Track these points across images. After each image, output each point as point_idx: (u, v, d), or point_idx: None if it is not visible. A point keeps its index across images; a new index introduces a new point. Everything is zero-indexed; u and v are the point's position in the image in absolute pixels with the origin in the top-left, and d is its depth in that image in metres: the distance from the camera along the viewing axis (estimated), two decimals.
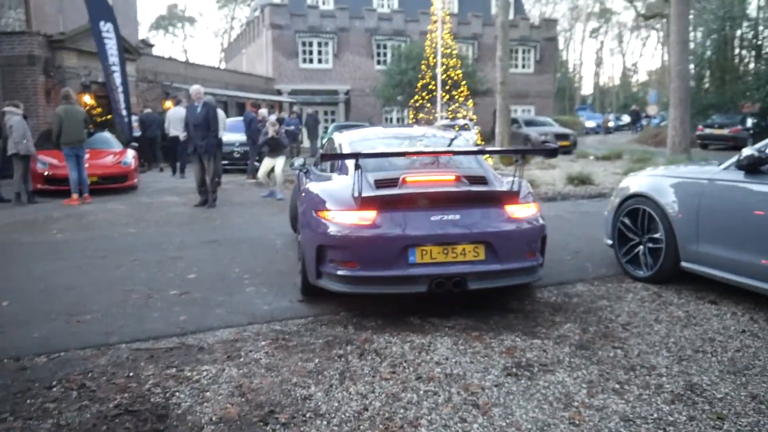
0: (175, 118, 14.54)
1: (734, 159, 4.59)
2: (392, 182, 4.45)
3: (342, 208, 4.31)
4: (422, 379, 3.43)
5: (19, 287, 5.44)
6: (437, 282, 4.14)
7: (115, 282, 5.59)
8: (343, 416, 3.03)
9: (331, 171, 5.32)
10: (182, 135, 11.80)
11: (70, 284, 5.52)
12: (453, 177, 4.56)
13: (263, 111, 15.20)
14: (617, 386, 3.32)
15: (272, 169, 11.61)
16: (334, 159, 5.14)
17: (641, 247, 5.34)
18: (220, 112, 14.67)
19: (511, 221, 4.39)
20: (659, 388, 3.30)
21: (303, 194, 5.05)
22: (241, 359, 3.78)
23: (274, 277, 5.68)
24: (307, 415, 3.05)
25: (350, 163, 4.70)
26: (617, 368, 3.57)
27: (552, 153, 4.49)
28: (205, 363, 3.73)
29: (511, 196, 4.42)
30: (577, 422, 2.94)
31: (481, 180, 4.65)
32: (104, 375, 3.57)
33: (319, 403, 3.18)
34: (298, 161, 6.65)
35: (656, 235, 5.12)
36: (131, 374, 3.57)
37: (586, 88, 75.53)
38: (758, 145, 4.51)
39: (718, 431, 2.86)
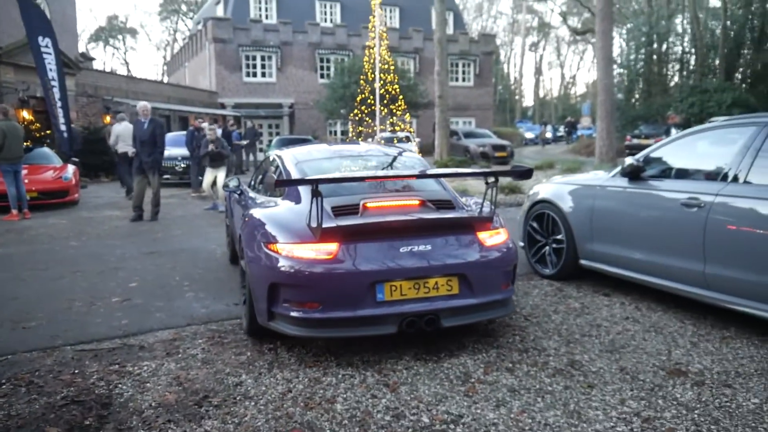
0: (125, 134, 13.97)
1: (620, 168, 5.23)
2: (351, 209, 4.04)
3: (298, 241, 3.81)
4: (342, 365, 3.89)
5: None
6: (408, 321, 3.74)
7: (58, 291, 5.85)
8: (269, 397, 3.45)
9: (271, 195, 4.90)
10: (131, 151, 11.71)
11: (14, 294, 5.75)
12: (417, 201, 4.21)
13: (206, 125, 15.42)
14: (510, 365, 3.85)
15: (215, 182, 11.89)
16: (291, 185, 4.37)
17: (547, 247, 5.94)
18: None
19: (486, 250, 4.03)
20: (545, 365, 3.85)
21: (246, 223, 4.51)
22: (179, 355, 4.15)
23: (213, 283, 6.04)
24: (238, 398, 3.46)
25: (303, 189, 4.29)
26: (513, 351, 4.10)
27: (526, 174, 4.08)
28: (145, 359, 4.09)
29: (484, 222, 4.11)
30: (470, 394, 3.43)
31: (448, 204, 4.30)
32: (51, 373, 3.88)
33: (249, 388, 3.59)
34: (232, 182, 6.10)
35: (558, 237, 5.73)
36: (76, 371, 3.90)
37: (528, 100, 77.89)
38: (638, 156, 5.18)
39: (586, 396, 3.40)
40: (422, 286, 3.83)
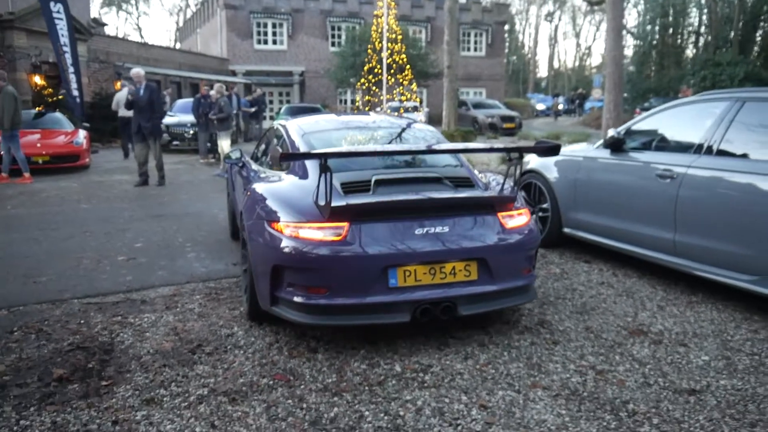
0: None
1: (603, 140, 5.43)
2: (362, 186, 3.76)
3: (304, 220, 3.53)
4: None
5: None
6: (423, 309, 3.49)
7: (67, 250, 6.17)
8: (257, 347, 3.75)
9: (276, 168, 4.61)
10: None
11: (26, 253, 6.08)
12: (433, 178, 3.95)
13: (217, 87, 15.57)
14: (484, 324, 4.12)
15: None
16: (297, 159, 4.07)
17: (533, 215, 6.16)
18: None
19: (507, 232, 3.75)
20: (516, 323, 4.12)
21: (248, 198, 4.23)
22: (178, 309, 4.46)
23: (214, 245, 6.35)
24: (228, 347, 3.77)
25: (310, 162, 4.01)
26: (489, 312, 4.36)
27: (552, 150, 3.76)
28: (146, 312, 4.40)
29: (507, 201, 3.83)
30: (442, 348, 3.72)
31: (466, 181, 4.01)
32: (58, 322, 4.21)
33: (239, 339, 3.89)
34: (234, 153, 5.73)
35: (544, 206, 5.96)
36: (82, 321, 4.22)
37: (542, 71, 77.14)
38: (620, 128, 5.37)
39: (549, 351, 3.68)
40: (438, 272, 3.55)
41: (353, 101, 33.31)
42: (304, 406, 3.03)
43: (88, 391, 3.19)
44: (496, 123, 24.78)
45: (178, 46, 46.82)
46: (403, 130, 4.94)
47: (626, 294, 4.73)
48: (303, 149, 4.30)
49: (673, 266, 4.70)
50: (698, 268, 4.48)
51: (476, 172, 4.28)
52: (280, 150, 4.14)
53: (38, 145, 12.48)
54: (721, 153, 4.41)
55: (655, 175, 4.74)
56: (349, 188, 3.73)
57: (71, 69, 15.18)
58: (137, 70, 10.97)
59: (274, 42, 34.03)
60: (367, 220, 3.51)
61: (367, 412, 2.96)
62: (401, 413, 2.96)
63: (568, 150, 5.98)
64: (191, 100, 18.52)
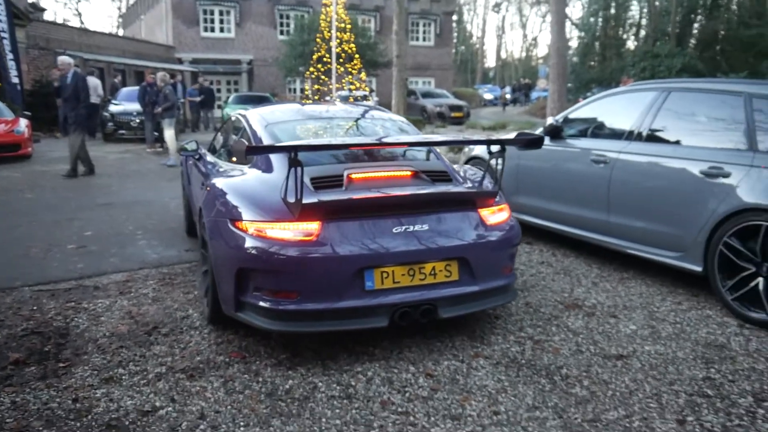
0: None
1: (542, 127, 5.71)
2: (334, 181, 3.50)
3: (271, 219, 3.28)
4: None
5: None
6: (402, 312, 3.28)
7: (15, 239, 6.12)
8: (212, 327, 3.87)
9: (237, 161, 4.33)
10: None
11: None
12: (409, 172, 3.71)
13: (160, 75, 15.37)
14: None
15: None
16: (266, 152, 3.75)
17: None
18: (93, 80, 15.25)
19: (489, 229, 3.57)
20: None
21: (207, 194, 3.95)
22: (132, 294, 4.53)
23: (165, 232, 6.38)
24: (184, 329, 3.87)
25: (276, 156, 3.75)
26: None
27: (534, 142, 3.69)
28: (100, 298, 4.45)
29: (488, 197, 3.65)
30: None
31: (444, 176, 3.78)
32: (11, 309, 4.22)
33: (195, 321, 4.01)
34: (190, 145, 5.37)
35: None
36: (35, 308, 4.25)
37: (490, 61, 78.20)
38: (558, 116, 5.66)
39: (491, 325, 3.92)
40: (417, 272, 3.34)
41: (302, 90, 33.18)
42: (260, 379, 3.19)
43: (46, 373, 3.26)
44: (445, 112, 25.15)
45: (121, 32, 45.58)
46: (373, 120, 4.70)
47: (564, 272, 5.02)
48: (267, 142, 4.02)
49: (607, 245, 5.02)
50: (629, 246, 4.80)
51: (453, 166, 4.09)
52: (246, 143, 3.66)
53: None
54: (649, 139, 4.73)
55: (590, 160, 5.04)
56: (320, 184, 3.46)
57: (10, 56, 14.74)
58: (63, 58, 10.77)
59: (222, 30, 33.53)
60: (341, 219, 3.28)
61: (320, 383, 3.13)
62: (353, 383, 3.14)
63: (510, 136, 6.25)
64: (137, 88, 18.22)
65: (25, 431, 2.70)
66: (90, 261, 5.38)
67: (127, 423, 2.77)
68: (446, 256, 3.41)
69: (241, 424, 2.77)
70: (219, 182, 3.88)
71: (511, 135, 4.47)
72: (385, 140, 3.97)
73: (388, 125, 4.57)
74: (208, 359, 3.42)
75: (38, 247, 5.83)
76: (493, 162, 3.67)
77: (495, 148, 3.61)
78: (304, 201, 3.17)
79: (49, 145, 15.86)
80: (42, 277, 4.91)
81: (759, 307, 3.89)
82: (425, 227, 3.39)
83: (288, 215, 3.26)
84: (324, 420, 2.80)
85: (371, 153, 3.98)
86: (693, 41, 34.15)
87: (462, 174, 3.97)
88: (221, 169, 4.32)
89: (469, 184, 3.82)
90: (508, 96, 41.72)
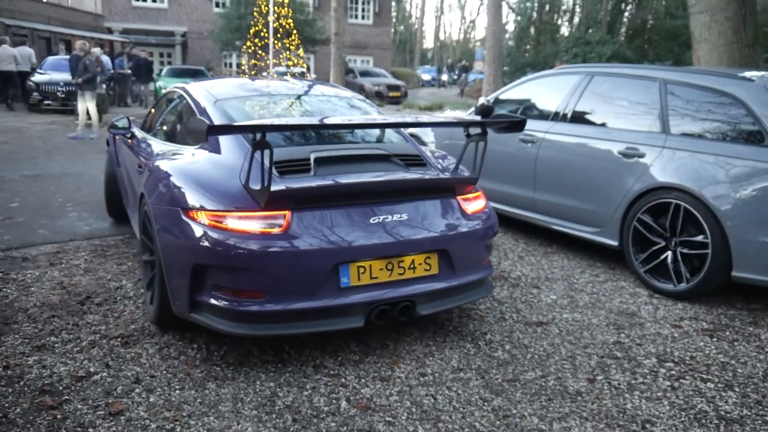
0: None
1: (473, 108, 5.91)
2: (300, 165, 3.16)
3: (233, 208, 2.93)
4: None
5: None
6: (379, 311, 3.03)
7: None
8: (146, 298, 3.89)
9: (177, 141, 4.00)
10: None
11: None
12: (380, 155, 3.45)
13: (96, 50, 14.87)
14: None
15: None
16: (231, 132, 3.27)
17: None
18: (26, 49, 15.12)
19: (468, 218, 3.36)
20: None
21: (150, 178, 3.51)
22: (63, 265, 4.47)
23: (96, 204, 6.26)
24: (118, 298, 3.88)
25: (230, 136, 3.35)
26: None
27: (517, 125, 3.46)
28: (29, 269, 4.38)
29: (468, 183, 3.44)
30: None
31: (417, 160, 3.51)
32: None
33: (129, 291, 4.01)
34: (121, 122, 4.86)
35: None
36: None
37: (428, 42, 78.57)
38: (489, 97, 5.86)
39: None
40: (396, 267, 3.08)
41: (239, 65, 32.53)
42: (195, 346, 3.25)
43: None
44: (383, 91, 25.26)
45: None
46: (326, 97, 4.38)
47: (493, 247, 5.25)
48: (219, 121, 3.60)
49: (533, 221, 5.28)
50: (553, 222, 5.07)
51: (423, 149, 3.82)
52: (206, 121, 3.17)
53: None
54: (573, 120, 4.99)
55: (518, 139, 5.26)
56: (285, 168, 3.11)
57: None
58: None
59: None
60: (312, 208, 2.97)
61: (254, 349, 3.23)
62: (286, 348, 3.25)
63: (447, 116, 6.42)
64: (63, 57, 17.50)
65: None
66: (17, 232, 5.25)
67: (60, 388, 2.79)
68: (426, 249, 3.16)
69: (177, 387, 2.84)
70: (164, 165, 3.44)
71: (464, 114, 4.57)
72: (359, 120, 3.64)
73: (352, 103, 4.30)
74: (143, 327, 3.45)
75: None
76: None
77: (474, 130, 3.39)
78: (274, 188, 2.83)
79: None
80: None
81: (667, 278, 4.21)
82: (404, 217, 3.13)
83: (250, 204, 2.92)
84: (258, 383, 2.90)
85: (336, 134, 3.69)
86: (623, 30, 35.38)
87: (434, 158, 3.70)
88: (163, 151, 3.88)
89: (445, 169, 3.55)
90: (444, 77, 42.10)
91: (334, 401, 2.77)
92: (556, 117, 5.10)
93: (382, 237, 3.03)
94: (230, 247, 2.85)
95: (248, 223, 2.90)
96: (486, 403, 2.80)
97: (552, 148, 5.00)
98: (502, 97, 5.82)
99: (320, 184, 3.03)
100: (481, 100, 5.80)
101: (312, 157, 3.20)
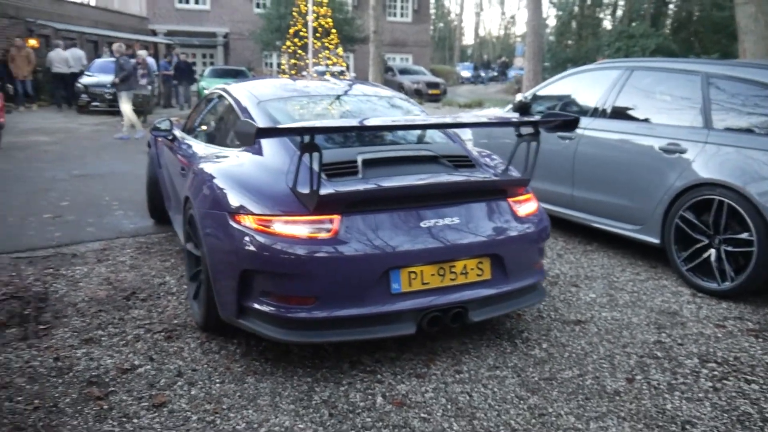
0: (57, 58, 17.62)
1: (511, 104, 5.87)
2: (347, 168, 3.10)
3: (281, 213, 2.89)
4: None
5: None
6: (431, 317, 2.96)
7: None
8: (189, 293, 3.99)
9: (219, 143, 3.96)
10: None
11: None
12: (429, 157, 3.37)
13: (142, 53, 15.24)
14: None
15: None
16: (279, 135, 3.13)
17: None
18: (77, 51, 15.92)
19: (521, 221, 3.26)
20: None
21: (194, 181, 3.48)
22: (109, 261, 4.62)
23: (141, 203, 6.40)
24: (161, 294, 3.99)
25: (274, 138, 3.28)
26: None
27: (570, 124, 3.33)
28: (78, 265, 4.54)
29: (520, 185, 3.34)
30: None
31: (465, 161, 3.43)
32: None
33: (172, 287, 4.12)
34: (163, 124, 4.85)
35: None
36: (14, 274, 4.32)
37: (468, 39, 78.11)
38: (527, 93, 5.81)
39: None
40: (448, 272, 3.00)
41: (279, 65, 32.90)
42: (235, 341, 3.33)
43: (27, 334, 3.36)
44: (422, 89, 25.23)
45: (93, 2, 44.61)
46: (372, 97, 4.27)
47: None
48: (263, 123, 3.51)
49: (572, 219, 5.22)
50: (593, 219, 5.01)
51: (471, 149, 3.72)
52: (255, 124, 2.86)
53: None
54: (613, 116, 4.91)
55: (556, 136, 5.21)
56: (332, 171, 3.04)
57: None
58: None
59: (197, 1, 32.96)
60: (361, 211, 2.90)
61: (293, 346, 3.28)
62: (324, 346, 3.29)
63: (482, 113, 6.40)
64: (110, 60, 17.98)
65: (8, 387, 2.81)
66: (67, 230, 5.44)
67: (107, 379, 2.90)
68: (479, 253, 3.07)
69: (217, 381, 2.91)
70: (209, 168, 3.41)
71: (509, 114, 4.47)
72: (409, 121, 3.56)
73: (396, 103, 4.19)
74: (186, 322, 3.55)
75: (14, 216, 5.86)
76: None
77: (526, 130, 3.28)
78: (324, 192, 2.77)
79: (21, 116, 15.64)
80: (19, 245, 4.97)
81: (710, 277, 4.12)
82: (456, 220, 3.05)
83: (298, 207, 2.87)
84: (296, 378, 2.96)
85: (380, 135, 3.61)
86: (668, 22, 34.53)
87: (481, 158, 3.59)
88: (207, 153, 3.87)
89: (494, 170, 3.45)
90: (483, 74, 41.76)
91: (369, 397, 2.81)
92: (595, 113, 5.04)
93: (434, 241, 2.95)
94: (278, 252, 2.80)
95: (297, 228, 2.85)
96: (522, 401, 2.80)
97: (591, 144, 4.94)
98: (540, 93, 5.77)
99: (371, 187, 2.95)
100: (518, 97, 5.75)
101: (359, 159, 3.13)
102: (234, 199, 3.04)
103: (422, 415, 2.67)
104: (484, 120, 3.96)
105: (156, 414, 2.63)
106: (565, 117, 3.35)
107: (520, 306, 3.35)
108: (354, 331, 2.90)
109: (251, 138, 2.67)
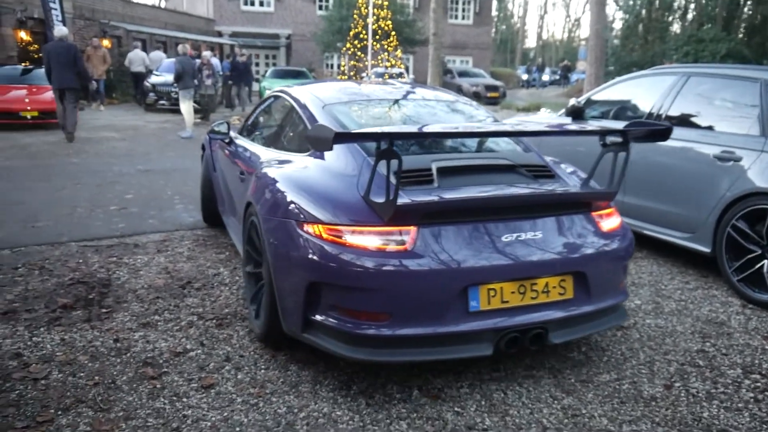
0: (135, 59, 19.08)
1: (565, 108, 5.85)
2: (422, 176, 2.94)
3: (353, 223, 2.75)
4: None
5: None
6: (509, 338, 2.77)
7: (61, 199, 6.53)
8: (241, 284, 4.18)
9: (281, 147, 3.85)
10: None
11: (22, 201, 6.42)
12: (506, 165, 3.19)
13: (207, 53, 15.79)
14: None
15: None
16: (355, 140, 2.99)
17: None
18: (159, 54, 16.55)
19: (605, 236, 3.06)
20: None
21: (258, 185, 3.38)
22: (168, 252, 4.87)
23: (199, 199, 6.71)
24: (215, 284, 4.19)
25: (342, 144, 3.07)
26: None
27: (662, 133, 3.03)
28: (139, 254, 4.80)
29: (606, 198, 3.16)
30: None
31: (545, 170, 3.24)
32: (59, 261, 4.60)
33: (225, 278, 4.32)
34: (221, 126, 4.80)
35: None
36: (80, 261, 4.61)
37: (530, 41, 77.16)
38: (580, 98, 5.79)
39: None
40: (529, 290, 2.82)
41: (339, 66, 33.33)
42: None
43: (91, 317, 3.61)
44: (480, 92, 25.13)
45: (163, 4, 46.23)
46: (439, 102, 4.07)
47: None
48: (330, 125, 3.19)
49: None
50: (642, 226, 4.95)
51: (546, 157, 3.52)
52: (332, 129, 2.58)
53: (26, 100, 12.67)
54: (667, 122, 4.84)
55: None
56: (406, 179, 2.85)
57: (58, 25, 15.20)
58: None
59: (261, 3, 33.79)
60: (439, 223, 2.74)
61: None
62: None
63: (533, 118, 6.40)
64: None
65: (72, 363, 3.04)
66: (130, 221, 5.75)
67: (161, 361, 3.09)
68: (562, 270, 2.87)
69: (262, 367, 3.07)
70: (274, 173, 3.30)
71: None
72: (492, 128, 3.33)
73: (463, 110, 4.03)
74: (236, 311, 3.73)
75: (83, 207, 6.23)
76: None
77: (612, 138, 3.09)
78: (401, 201, 2.62)
79: (92, 113, 16.42)
80: (86, 234, 5.29)
81: (762, 288, 4.03)
82: (538, 234, 2.86)
83: (370, 217, 2.72)
84: (336, 368, 3.08)
85: (452, 141, 3.44)
86: (741, 27, 33.24)
87: (558, 167, 3.40)
88: (270, 158, 3.73)
89: (574, 181, 3.27)
90: (546, 77, 41.15)
91: (406, 389, 2.90)
92: (650, 118, 4.98)
93: (515, 257, 2.77)
94: (350, 264, 2.64)
95: (370, 239, 2.69)
96: (556, 401, 2.84)
97: (643, 150, 4.88)
98: (595, 97, 5.73)
99: (451, 198, 2.77)
100: (572, 101, 5.73)
101: (434, 166, 2.97)
102: (302, 207, 2.90)
103: (456, 408, 2.75)
104: (573, 129, 3.65)
105: (204, 395, 2.80)
106: (656, 126, 3.08)
107: (602, 328, 3.11)
108: (427, 351, 2.72)
109: (329, 143, 2.50)
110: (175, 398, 2.76)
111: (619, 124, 5.20)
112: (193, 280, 4.25)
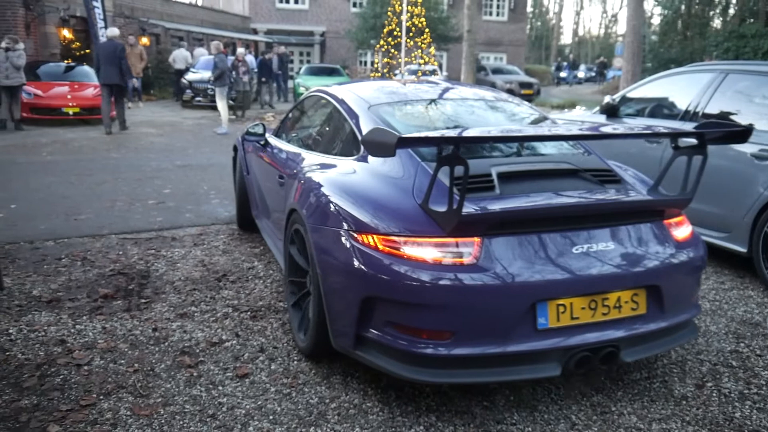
0: (179, 57, 19.72)
1: (599, 106, 5.81)
2: (483, 182, 2.72)
3: (410, 233, 2.55)
4: None
5: (21, 196, 6.55)
6: (580, 358, 2.56)
7: (102, 193, 6.72)
8: (274, 278, 4.27)
9: (323, 150, 3.62)
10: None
11: (65, 194, 6.64)
12: (570, 170, 2.96)
13: (241, 50, 16.03)
14: None
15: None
16: (419, 145, 2.73)
17: None
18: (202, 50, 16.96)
19: (679, 247, 2.83)
20: None
21: (302, 191, 3.19)
22: (204, 245, 4.99)
23: None
24: (249, 277, 4.29)
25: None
26: None
27: (740, 135, 2.76)
28: (176, 247, 4.93)
29: (680, 205, 2.90)
30: None
31: (611, 175, 3.01)
32: (100, 252, 4.75)
33: (259, 271, 4.41)
34: (256, 128, 4.62)
35: None
36: (121, 252, 4.76)
37: (566, 38, 76.23)
38: (615, 96, 5.74)
39: None
40: (600, 305, 2.61)
41: (373, 63, 33.42)
42: None
43: (130, 306, 3.73)
44: (514, 89, 24.91)
45: (199, 2, 46.95)
46: (486, 101, 3.82)
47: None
48: (381, 129, 2.82)
49: None
50: None
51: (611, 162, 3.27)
52: (395, 133, 2.37)
53: (68, 96, 13.03)
54: (704, 119, 4.78)
55: (643, 139, 5.13)
56: (467, 186, 2.47)
57: (101, 23, 15.58)
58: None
59: (296, 1, 34.06)
60: (504, 234, 2.53)
61: None
62: None
63: (566, 115, 6.36)
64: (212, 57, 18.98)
65: (113, 350, 3.15)
66: (168, 215, 5.90)
67: (197, 351, 3.19)
68: (634, 284, 2.66)
69: (295, 358, 3.14)
70: (321, 179, 3.10)
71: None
72: (563, 132, 2.90)
73: (516, 111, 3.80)
74: (270, 304, 3.81)
75: (123, 201, 6.41)
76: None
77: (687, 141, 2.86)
78: (465, 211, 2.41)
79: (133, 110, 16.79)
80: (126, 227, 5.45)
81: None
82: (610, 246, 2.64)
83: (429, 227, 2.53)
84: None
85: (508, 144, 3.17)
86: None
87: (624, 173, 3.17)
88: (313, 161, 3.50)
89: (642, 187, 3.05)
90: (581, 74, 40.63)
91: None
92: (686, 116, 4.92)
93: (585, 270, 2.56)
94: (409, 278, 2.45)
95: (430, 251, 2.49)
96: (585, 398, 2.85)
97: None
98: (630, 95, 5.68)
99: (518, 207, 2.58)
100: (607, 99, 5.69)
101: (494, 171, 2.77)
102: (355, 216, 2.71)
103: (485, 403, 2.78)
104: (640, 132, 3.48)
105: (239, 384, 2.88)
106: (734, 127, 2.82)
107: (674, 344, 2.92)
108: (492, 371, 2.53)
109: (391, 149, 2.30)
110: (211, 386, 2.85)
111: (655, 122, 5.18)
112: (229, 273, 4.35)
